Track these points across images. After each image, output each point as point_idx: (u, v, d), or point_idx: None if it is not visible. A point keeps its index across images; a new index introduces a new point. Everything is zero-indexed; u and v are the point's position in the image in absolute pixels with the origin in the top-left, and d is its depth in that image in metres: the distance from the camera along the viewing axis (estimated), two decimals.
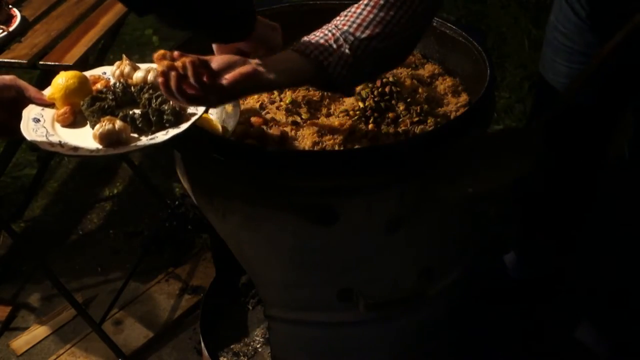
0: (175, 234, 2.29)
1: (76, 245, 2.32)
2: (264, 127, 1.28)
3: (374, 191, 1.16)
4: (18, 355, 1.94)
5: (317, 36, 1.10)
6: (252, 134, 1.26)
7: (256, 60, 1.08)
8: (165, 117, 1.12)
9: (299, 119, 1.30)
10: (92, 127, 1.13)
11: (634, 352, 1.81)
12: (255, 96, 1.37)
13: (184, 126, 1.10)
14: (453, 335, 1.63)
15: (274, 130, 1.26)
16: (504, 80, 3.00)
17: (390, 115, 1.29)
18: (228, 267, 1.76)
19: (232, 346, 1.71)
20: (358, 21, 1.10)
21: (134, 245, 2.28)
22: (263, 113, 1.33)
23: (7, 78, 1.14)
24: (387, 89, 1.31)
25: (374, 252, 1.27)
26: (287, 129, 1.27)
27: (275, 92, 1.36)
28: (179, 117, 1.12)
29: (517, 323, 1.91)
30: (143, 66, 1.26)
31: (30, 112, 1.16)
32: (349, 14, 1.12)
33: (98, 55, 2.53)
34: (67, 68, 1.75)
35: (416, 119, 1.28)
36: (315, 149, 1.22)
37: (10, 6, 1.91)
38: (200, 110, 1.13)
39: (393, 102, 1.31)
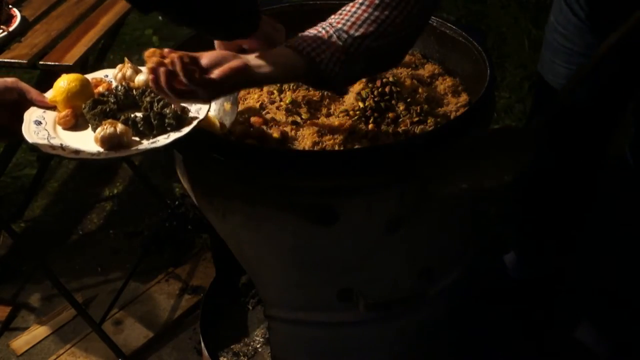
0: (175, 234, 2.29)
1: (76, 245, 2.32)
2: (264, 127, 1.28)
3: (374, 191, 1.16)
4: (18, 355, 1.94)
5: (311, 33, 1.10)
6: (252, 134, 1.26)
7: (247, 56, 1.08)
8: (166, 120, 1.12)
9: (299, 119, 1.30)
10: (94, 130, 1.13)
11: (634, 352, 1.81)
12: (255, 96, 1.38)
13: (186, 130, 1.10)
14: (453, 335, 1.63)
15: (274, 130, 1.26)
16: (504, 80, 3.00)
17: (390, 115, 1.29)
18: (228, 267, 1.76)
19: (232, 346, 1.71)
20: (352, 19, 1.10)
21: (134, 245, 2.28)
22: (263, 113, 1.33)
23: (9, 80, 1.14)
24: (387, 89, 1.31)
25: (374, 252, 1.27)
26: (287, 129, 1.27)
27: (275, 92, 1.36)
28: (181, 120, 1.12)
29: (517, 323, 1.91)
30: (145, 69, 1.26)
31: (31, 114, 1.16)
32: (344, 12, 1.12)
33: (98, 56, 2.53)
34: (67, 68, 1.75)
35: (416, 119, 1.28)
36: (315, 149, 1.22)
37: (10, 6, 1.91)
38: (202, 113, 1.13)
39: (393, 102, 1.31)
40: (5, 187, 2.53)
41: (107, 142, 1.09)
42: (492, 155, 1.17)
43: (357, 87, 1.34)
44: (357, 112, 1.29)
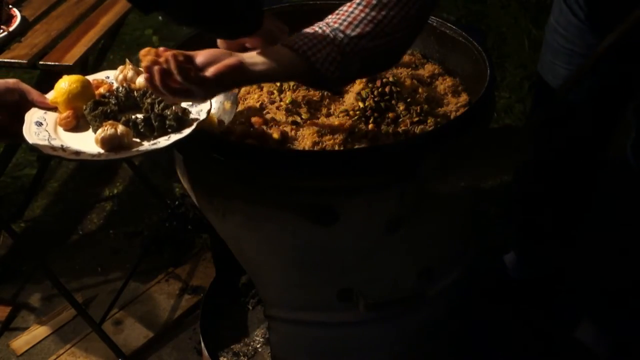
0: (175, 234, 2.29)
1: (76, 245, 2.32)
2: (264, 127, 1.28)
3: (374, 191, 1.16)
4: (18, 355, 1.94)
5: (308, 32, 1.10)
6: (252, 134, 1.26)
7: (243, 54, 1.08)
8: (167, 122, 1.12)
9: (299, 119, 1.30)
10: (95, 131, 1.13)
11: (634, 352, 1.81)
12: (255, 96, 1.38)
13: (186, 131, 1.11)
14: (453, 335, 1.63)
15: (274, 130, 1.26)
16: (504, 80, 3.00)
17: (390, 115, 1.29)
18: (228, 267, 1.76)
19: (232, 346, 1.71)
20: (349, 19, 1.10)
21: (134, 245, 2.28)
22: (263, 113, 1.33)
23: (11, 81, 1.14)
24: (387, 89, 1.31)
25: (374, 252, 1.27)
26: (287, 129, 1.27)
27: (275, 92, 1.36)
28: (182, 122, 1.13)
29: (517, 323, 1.91)
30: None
31: (32, 115, 1.16)
32: (341, 12, 1.12)
33: (98, 55, 2.53)
34: (67, 68, 1.75)
35: (416, 119, 1.28)
36: (315, 149, 1.22)
37: (10, 6, 1.91)
38: (202, 115, 1.14)
39: (393, 102, 1.31)
40: (5, 187, 2.53)
41: (108, 143, 1.09)
42: (489, 154, 1.17)
43: (357, 87, 1.34)
44: (357, 112, 1.29)
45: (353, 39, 1.09)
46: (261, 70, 1.07)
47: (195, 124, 1.12)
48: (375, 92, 1.31)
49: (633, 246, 1.71)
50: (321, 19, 1.14)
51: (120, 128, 1.10)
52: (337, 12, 1.13)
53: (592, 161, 1.75)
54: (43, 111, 1.17)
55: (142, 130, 1.13)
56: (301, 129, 1.26)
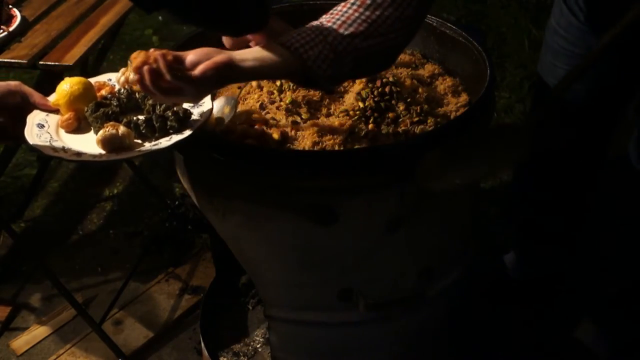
0: (175, 234, 2.29)
1: (76, 245, 2.32)
2: (264, 127, 1.28)
3: (374, 191, 1.16)
4: (18, 355, 1.94)
5: (301, 31, 1.10)
6: (252, 134, 1.26)
7: (234, 51, 1.08)
8: (168, 123, 1.12)
9: (299, 119, 1.30)
10: (96, 132, 1.14)
11: (634, 352, 1.81)
12: (255, 96, 1.38)
13: (188, 132, 1.11)
14: (453, 335, 1.63)
15: (274, 130, 1.26)
16: (504, 80, 3.00)
17: (390, 115, 1.29)
18: (228, 267, 1.76)
19: (232, 346, 1.71)
20: (343, 19, 1.10)
21: (134, 245, 2.28)
22: (263, 113, 1.33)
23: (13, 84, 1.14)
24: (387, 89, 1.31)
25: (374, 252, 1.27)
26: (287, 129, 1.27)
27: (275, 92, 1.36)
28: (183, 123, 1.13)
29: (517, 323, 1.91)
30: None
31: (34, 117, 1.16)
32: (335, 12, 1.12)
33: (98, 55, 2.53)
34: (67, 68, 1.75)
35: (416, 119, 1.28)
36: (315, 149, 1.22)
37: (10, 6, 1.91)
38: (204, 116, 1.14)
39: (393, 102, 1.31)
40: (5, 187, 2.53)
41: (109, 144, 1.09)
42: (484, 152, 1.17)
43: (357, 87, 1.34)
44: (357, 112, 1.29)
45: (346, 38, 1.09)
46: (251, 67, 1.07)
47: (196, 125, 1.12)
48: (375, 92, 1.31)
49: (633, 246, 1.71)
50: None
51: (122, 129, 1.10)
52: (331, 11, 1.13)
53: (592, 161, 1.75)
54: (45, 113, 1.17)
55: (143, 131, 1.13)
56: (301, 129, 1.27)
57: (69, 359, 1.91)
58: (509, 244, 2.04)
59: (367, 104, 1.29)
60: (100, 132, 1.10)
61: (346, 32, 1.09)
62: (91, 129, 1.17)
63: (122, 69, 1.28)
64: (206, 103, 1.17)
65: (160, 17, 3.59)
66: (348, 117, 1.28)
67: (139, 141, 1.13)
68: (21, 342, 1.97)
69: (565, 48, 1.55)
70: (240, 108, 1.35)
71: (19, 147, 2.38)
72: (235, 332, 1.75)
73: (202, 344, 1.72)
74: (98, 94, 1.23)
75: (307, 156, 1.18)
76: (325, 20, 1.11)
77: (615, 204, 1.79)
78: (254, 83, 1.40)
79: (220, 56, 1.05)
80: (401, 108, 1.30)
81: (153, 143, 1.12)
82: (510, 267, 2.01)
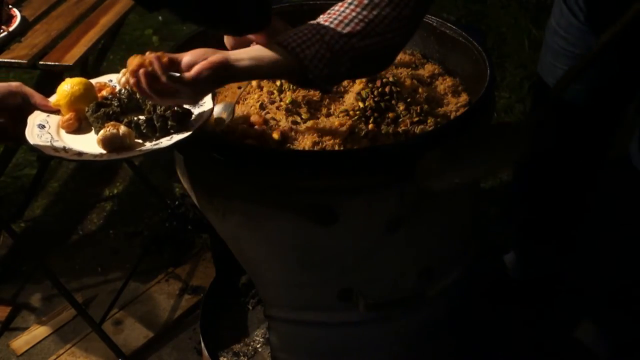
0: (175, 234, 2.29)
1: (76, 245, 2.32)
2: (264, 127, 1.28)
3: (374, 191, 1.16)
4: (18, 355, 1.94)
5: (298, 30, 1.10)
6: (252, 134, 1.26)
7: (230, 51, 1.08)
8: (169, 123, 1.12)
9: (299, 119, 1.30)
10: (97, 133, 1.14)
11: (634, 352, 1.81)
12: (255, 96, 1.38)
13: (188, 132, 1.11)
14: (453, 335, 1.63)
15: (274, 130, 1.26)
16: (504, 80, 3.00)
17: (390, 115, 1.29)
18: (228, 267, 1.76)
19: (232, 346, 1.71)
20: (340, 18, 1.10)
21: (134, 245, 2.28)
22: (263, 113, 1.33)
23: (14, 85, 1.14)
24: (387, 89, 1.31)
25: (374, 252, 1.27)
26: (287, 129, 1.27)
27: (275, 92, 1.36)
28: (184, 123, 1.13)
29: (517, 323, 1.91)
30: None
31: (35, 118, 1.16)
32: (332, 11, 1.12)
33: (98, 55, 2.53)
34: (67, 68, 1.75)
35: (416, 119, 1.28)
36: (315, 149, 1.22)
37: (10, 6, 1.91)
38: (204, 116, 1.14)
39: (393, 102, 1.31)
40: (5, 187, 2.53)
41: (109, 143, 1.09)
42: (484, 152, 1.17)
43: (357, 87, 1.34)
44: (357, 112, 1.29)
45: (343, 37, 1.08)
46: (247, 66, 1.07)
47: (197, 125, 1.12)
48: (375, 92, 1.31)
49: (633, 246, 1.71)
50: None
51: (122, 129, 1.10)
52: (328, 11, 1.12)
53: (592, 161, 1.75)
54: (46, 114, 1.17)
55: (144, 131, 1.13)
56: (301, 129, 1.27)
57: (69, 359, 1.91)
58: (509, 244, 2.04)
59: (367, 104, 1.29)
60: (101, 132, 1.10)
61: (343, 32, 1.09)
62: (92, 129, 1.17)
63: (123, 70, 1.28)
64: (207, 103, 1.17)
65: (160, 17, 3.59)
66: (348, 117, 1.28)
67: (140, 141, 1.13)
68: (21, 342, 1.97)
69: (565, 48, 1.55)
70: (240, 108, 1.36)
71: (19, 147, 2.38)
72: (235, 332, 1.75)
73: (202, 344, 1.72)
74: (99, 95, 1.23)
75: (307, 156, 1.18)
76: (323, 19, 1.11)
77: (615, 204, 1.79)
78: (254, 83, 1.40)
79: (215, 56, 1.06)
80: (401, 108, 1.30)
81: (154, 143, 1.12)
82: (510, 267, 2.01)
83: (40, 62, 1.77)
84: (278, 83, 1.37)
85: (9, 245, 2.28)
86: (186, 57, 1.06)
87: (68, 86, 1.19)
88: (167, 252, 2.24)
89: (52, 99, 1.19)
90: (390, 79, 1.33)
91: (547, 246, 1.92)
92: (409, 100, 1.32)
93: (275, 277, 1.37)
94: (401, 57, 1.49)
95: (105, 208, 2.48)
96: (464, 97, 1.38)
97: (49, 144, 1.11)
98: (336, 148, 1.22)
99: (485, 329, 1.84)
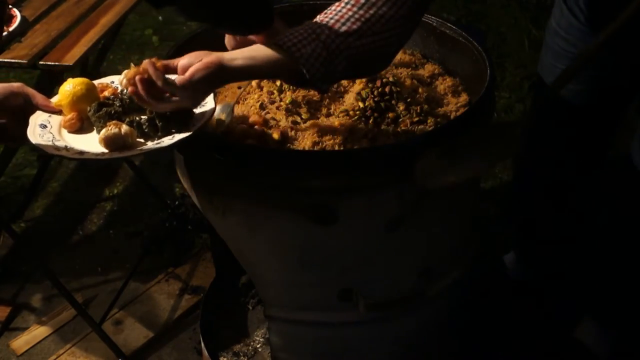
0: (175, 234, 2.29)
1: (76, 245, 2.32)
2: (264, 127, 1.28)
3: (374, 191, 1.16)
4: (18, 355, 1.94)
5: (295, 29, 1.10)
6: (252, 134, 1.26)
7: (225, 52, 1.08)
8: (171, 122, 1.12)
9: (299, 119, 1.30)
10: (99, 132, 1.14)
11: (634, 352, 1.81)
12: (255, 96, 1.38)
13: (190, 131, 1.11)
14: (453, 335, 1.63)
15: (274, 130, 1.26)
16: (504, 80, 3.00)
17: (390, 115, 1.29)
18: (228, 267, 1.76)
19: (232, 346, 1.71)
20: (336, 17, 1.10)
21: (134, 245, 2.28)
22: (263, 113, 1.33)
23: (15, 85, 1.14)
24: (387, 89, 1.31)
25: (374, 252, 1.27)
26: (287, 129, 1.27)
27: (275, 92, 1.36)
28: (185, 122, 1.13)
29: (517, 323, 1.91)
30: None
31: (37, 118, 1.16)
32: (329, 11, 1.12)
33: (98, 56, 2.54)
34: (67, 68, 1.75)
35: (416, 119, 1.28)
36: (315, 149, 1.22)
37: (10, 6, 1.91)
38: (206, 115, 1.14)
39: (393, 102, 1.31)
40: (5, 187, 2.53)
41: (111, 143, 1.09)
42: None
43: (357, 87, 1.34)
44: (357, 112, 1.29)
45: (339, 36, 1.08)
46: (241, 65, 1.07)
47: (199, 124, 1.12)
48: (375, 92, 1.31)
49: (634, 246, 1.71)
50: None
51: (124, 128, 1.10)
52: (325, 11, 1.12)
53: (593, 161, 1.75)
54: (48, 114, 1.17)
55: (146, 130, 1.13)
56: (301, 129, 1.27)
57: (69, 359, 1.91)
58: (509, 244, 2.04)
59: (367, 104, 1.29)
60: (103, 131, 1.10)
61: (340, 31, 1.08)
62: (94, 129, 1.17)
63: (125, 71, 1.28)
64: (209, 102, 1.17)
65: (160, 17, 3.59)
66: (348, 117, 1.28)
67: (142, 140, 1.13)
68: (21, 342, 1.97)
69: (565, 49, 1.55)
70: (240, 108, 1.36)
71: (19, 147, 2.38)
72: (235, 332, 1.75)
73: (202, 344, 1.72)
74: (101, 96, 1.23)
75: (307, 156, 1.18)
76: (319, 19, 1.11)
77: (615, 204, 1.79)
78: (253, 83, 1.40)
79: (209, 57, 1.06)
80: (401, 108, 1.30)
81: (156, 142, 1.12)
82: (510, 267, 2.01)
83: (41, 62, 1.77)
84: (278, 83, 1.37)
85: (9, 245, 2.28)
86: (182, 61, 1.07)
87: (70, 86, 1.19)
88: (167, 252, 2.24)
89: (54, 99, 1.19)
90: (390, 79, 1.33)
91: (547, 246, 1.92)
92: (409, 100, 1.32)
93: (275, 277, 1.37)
94: (401, 57, 1.49)
95: (105, 208, 2.48)
96: (464, 97, 1.38)
97: (50, 142, 1.11)
98: (336, 148, 1.22)
99: (485, 329, 1.84)
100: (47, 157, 2.44)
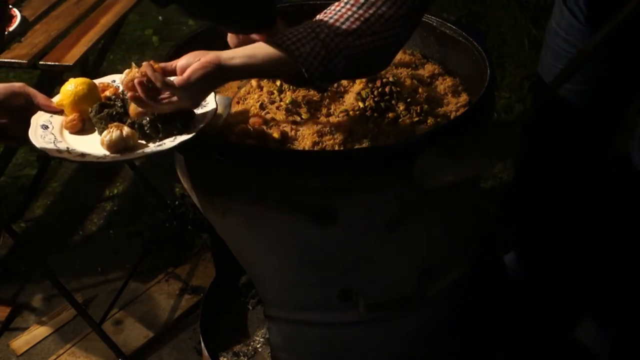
0: (175, 234, 2.29)
1: (76, 245, 2.32)
2: (264, 127, 1.28)
3: (374, 191, 1.16)
4: (18, 355, 1.94)
5: (294, 29, 1.10)
6: (252, 134, 1.26)
7: (223, 51, 1.09)
8: (173, 123, 1.12)
9: (299, 119, 1.30)
10: (100, 133, 1.14)
11: (634, 352, 1.81)
12: (255, 96, 1.38)
13: (192, 133, 1.11)
14: (453, 335, 1.63)
15: (274, 130, 1.26)
16: (504, 80, 3.00)
17: (390, 115, 1.29)
18: (228, 267, 1.76)
19: (232, 346, 1.71)
20: (336, 17, 1.10)
21: (134, 245, 2.28)
22: (263, 113, 1.33)
23: (17, 85, 1.14)
24: (387, 89, 1.31)
25: (374, 252, 1.27)
26: (287, 129, 1.27)
27: (275, 92, 1.36)
28: (187, 124, 1.13)
29: (517, 323, 1.91)
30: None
31: (39, 119, 1.16)
32: (329, 11, 1.12)
33: (98, 55, 2.54)
34: (67, 68, 1.75)
35: (416, 119, 1.28)
36: (315, 149, 1.22)
37: (10, 6, 1.91)
38: (208, 116, 1.14)
39: (393, 102, 1.31)
40: (5, 187, 2.53)
41: (113, 145, 1.09)
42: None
43: (357, 87, 1.34)
44: (357, 112, 1.29)
45: (338, 36, 1.08)
46: (240, 64, 1.07)
47: (200, 126, 1.12)
48: (375, 92, 1.31)
49: (634, 245, 1.71)
50: None
51: (126, 130, 1.10)
52: (324, 11, 1.13)
53: (593, 161, 1.75)
54: (49, 114, 1.17)
55: (147, 131, 1.13)
56: (301, 129, 1.27)
57: (69, 359, 1.91)
58: (509, 244, 2.03)
59: (367, 104, 1.29)
60: (105, 133, 1.10)
61: (339, 30, 1.08)
62: (95, 130, 1.17)
63: (127, 70, 1.29)
64: (210, 103, 1.17)
65: (160, 17, 3.59)
66: (348, 117, 1.28)
67: (143, 142, 1.13)
68: (21, 342, 1.97)
69: (565, 50, 1.55)
70: (240, 108, 1.36)
71: (19, 147, 2.38)
72: (235, 332, 1.75)
73: (202, 344, 1.72)
74: (102, 95, 1.23)
75: (307, 156, 1.18)
76: (319, 18, 1.11)
77: (615, 204, 1.79)
78: (253, 83, 1.40)
79: (207, 56, 1.06)
80: (401, 108, 1.30)
81: (157, 144, 1.12)
82: (510, 267, 2.01)
83: (41, 62, 1.77)
84: (278, 83, 1.37)
85: (9, 245, 2.28)
86: (181, 61, 1.07)
87: (72, 86, 1.19)
88: (167, 252, 2.24)
89: (56, 99, 1.19)
90: (390, 79, 1.33)
91: (547, 246, 1.92)
92: (409, 100, 1.32)
93: (276, 277, 1.37)
94: (401, 57, 1.49)
95: (105, 208, 2.48)
96: (464, 97, 1.38)
97: (52, 144, 1.11)
98: (336, 148, 1.22)
99: (485, 329, 1.84)
100: (47, 158, 2.44)
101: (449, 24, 1.44)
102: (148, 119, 1.13)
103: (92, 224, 2.41)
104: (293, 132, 1.26)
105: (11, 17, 1.87)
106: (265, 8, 1.18)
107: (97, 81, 1.25)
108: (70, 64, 1.76)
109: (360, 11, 1.09)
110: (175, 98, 1.07)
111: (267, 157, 1.15)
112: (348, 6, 1.10)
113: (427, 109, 1.32)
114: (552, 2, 1.60)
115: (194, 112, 1.16)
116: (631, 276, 1.75)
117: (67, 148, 1.11)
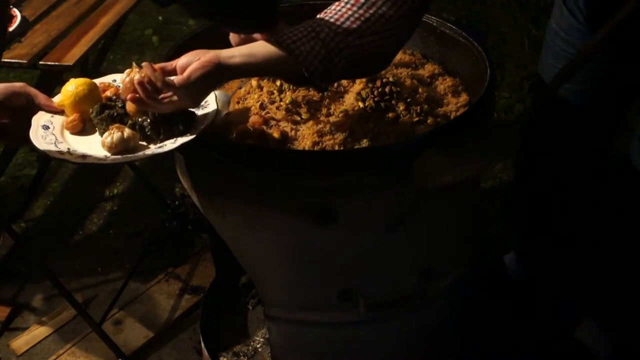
0: (175, 234, 2.29)
1: (76, 245, 2.32)
2: (264, 127, 1.28)
3: (374, 191, 1.16)
4: (18, 355, 1.94)
5: (294, 28, 1.10)
6: (252, 134, 1.26)
7: (222, 50, 1.09)
8: (174, 125, 1.12)
9: (299, 119, 1.30)
10: (101, 134, 1.14)
11: (634, 352, 1.81)
12: (255, 96, 1.38)
13: (193, 135, 1.11)
14: (453, 335, 1.63)
15: (274, 130, 1.26)
16: (504, 80, 3.00)
17: (390, 115, 1.29)
18: (228, 267, 1.76)
19: (232, 346, 1.71)
20: (336, 16, 1.10)
21: (134, 245, 2.28)
22: (263, 113, 1.33)
23: (18, 85, 1.14)
24: (387, 89, 1.31)
25: (374, 252, 1.27)
26: (287, 129, 1.27)
27: (275, 92, 1.36)
28: (187, 125, 1.13)
29: (517, 323, 1.91)
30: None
31: (39, 119, 1.16)
32: (329, 10, 1.12)
33: (98, 55, 2.54)
34: (67, 68, 1.76)
35: (416, 119, 1.28)
36: (315, 149, 1.22)
37: (10, 6, 1.91)
38: (209, 117, 1.14)
39: (393, 102, 1.31)
40: (5, 187, 2.53)
41: (114, 146, 1.09)
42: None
43: (357, 87, 1.34)
44: (357, 112, 1.29)
45: (339, 35, 1.08)
46: (239, 63, 1.07)
47: (201, 127, 1.12)
48: (375, 92, 1.31)
49: (633, 246, 1.71)
50: None
51: (127, 131, 1.10)
52: (325, 10, 1.13)
53: (593, 161, 1.75)
54: (50, 115, 1.17)
55: (148, 133, 1.13)
56: (301, 129, 1.27)
57: (69, 359, 1.91)
58: (509, 244, 2.03)
59: (367, 104, 1.29)
60: (106, 135, 1.10)
61: (339, 30, 1.08)
62: (96, 131, 1.17)
63: (127, 70, 1.28)
64: (211, 104, 1.17)
65: (160, 17, 3.59)
66: (348, 117, 1.28)
67: (144, 143, 1.13)
68: (21, 342, 1.97)
69: (565, 50, 1.55)
70: (240, 108, 1.35)
71: (20, 147, 2.38)
72: (235, 332, 1.75)
73: (202, 344, 1.72)
74: (103, 95, 1.23)
75: (307, 156, 1.18)
76: (319, 18, 1.11)
77: (615, 204, 1.79)
78: (253, 83, 1.40)
79: (207, 55, 1.06)
80: (401, 108, 1.30)
81: (158, 145, 1.12)
82: (510, 267, 2.01)
83: (41, 62, 1.77)
84: (278, 83, 1.37)
85: (9, 245, 2.28)
86: (181, 60, 1.07)
87: (72, 87, 1.19)
88: (167, 252, 2.24)
89: (56, 100, 1.19)
90: (390, 79, 1.33)
91: (547, 246, 1.92)
92: (409, 100, 1.32)
93: (275, 277, 1.37)
94: (401, 57, 1.49)
95: (105, 208, 2.48)
96: (464, 97, 1.38)
97: (53, 145, 1.11)
98: (336, 148, 1.22)
99: (485, 329, 1.84)
100: (48, 158, 2.44)
101: (449, 24, 1.44)
102: (149, 120, 1.13)
103: (92, 224, 2.41)
104: (293, 132, 1.26)
105: (11, 17, 1.87)
106: (267, 8, 1.18)
107: (97, 81, 1.25)
108: (70, 64, 1.76)
109: (361, 11, 1.09)
110: (175, 98, 1.07)
111: (267, 157, 1.15)
112: (348, 6, 1.10)
113: (427, 109, 1.32)
114: (552, 2, 1.60)
115: (194, 114, 1.16)
116: (631, 276, 1.75)
117: (68, 149, 1.11)
